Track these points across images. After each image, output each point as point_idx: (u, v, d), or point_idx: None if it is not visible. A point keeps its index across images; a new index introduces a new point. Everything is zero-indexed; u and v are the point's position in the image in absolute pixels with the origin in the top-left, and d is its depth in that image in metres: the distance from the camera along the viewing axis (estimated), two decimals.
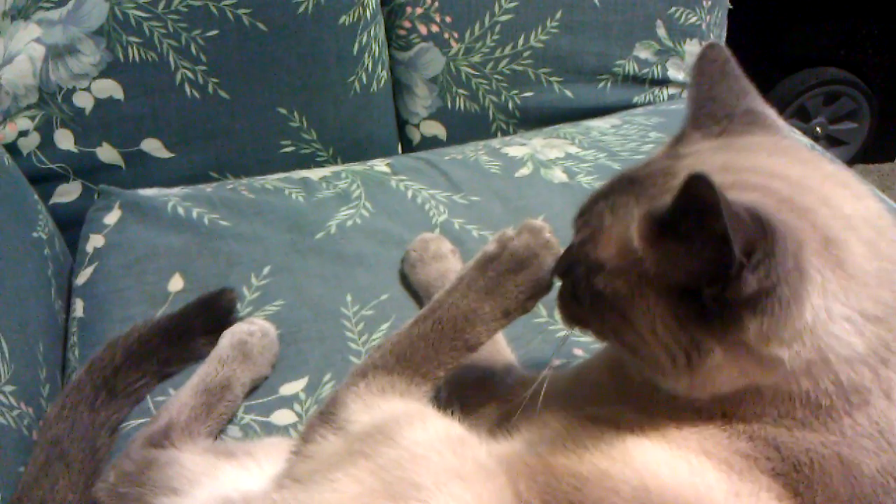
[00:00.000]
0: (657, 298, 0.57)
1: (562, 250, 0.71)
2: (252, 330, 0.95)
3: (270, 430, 0.89)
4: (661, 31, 1.46)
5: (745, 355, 0.56)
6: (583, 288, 0.62)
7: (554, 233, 0.76)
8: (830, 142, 2.46)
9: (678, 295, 0.57)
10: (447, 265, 1.02)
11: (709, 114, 0.68)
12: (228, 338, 0.94)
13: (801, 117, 2.41)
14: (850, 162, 2.46)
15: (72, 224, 1.24)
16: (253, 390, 0.93)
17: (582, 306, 0.63)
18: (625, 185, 0.63)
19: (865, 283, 0.57)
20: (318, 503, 0.60)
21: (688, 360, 0.57)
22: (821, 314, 0.55)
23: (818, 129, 2.43)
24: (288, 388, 0.93)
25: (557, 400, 0.69)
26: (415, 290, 1.03)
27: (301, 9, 1.24)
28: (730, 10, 1.56)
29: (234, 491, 0.72)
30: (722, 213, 0.49)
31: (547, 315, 1.00)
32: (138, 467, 0.79)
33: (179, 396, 0.89)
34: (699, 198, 0.50)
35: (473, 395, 0.79)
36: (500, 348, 0.87)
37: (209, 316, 0.99)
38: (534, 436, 0.66)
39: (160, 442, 0.83)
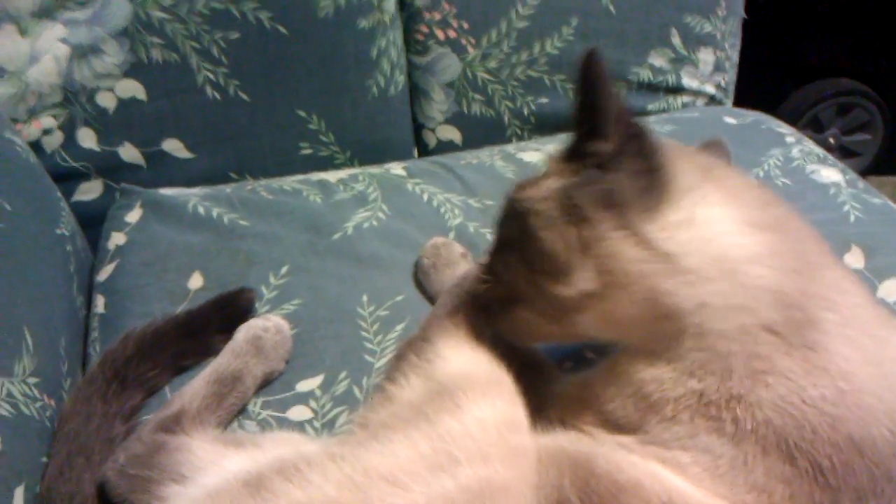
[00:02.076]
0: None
1: None
2: (267, 326, 0.97)
3: (286, 425, 0.90)
4: (676, 40, 1.47)
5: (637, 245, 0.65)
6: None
7: None
8: (843, 153, 2.46)
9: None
10: (460, 269, 1.04)
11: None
12: (244, 332, 0.96)
13: (814, 128, 2.41)
14: (864, 173, 2.47)
15: (92, 222, 1.26)
16: (264, 385, 0.95)
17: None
18: None
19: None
20: (372, 466, 0.64)
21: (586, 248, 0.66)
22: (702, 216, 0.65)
23: (831, 139, 2.44)
24: (304, 385, 0.95)
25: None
26: (430, 296, 1.05)
27: (321, 13, 1.26)
28: (744, 21, 1.57)
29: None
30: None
31: None
32: (148, 450, 0.81)
33: (192, 385, 0.91)
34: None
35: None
36: None
37: (227, 313, 1.01)
38: (574, 434, 0.69)
39: (171, 427, 0.85)
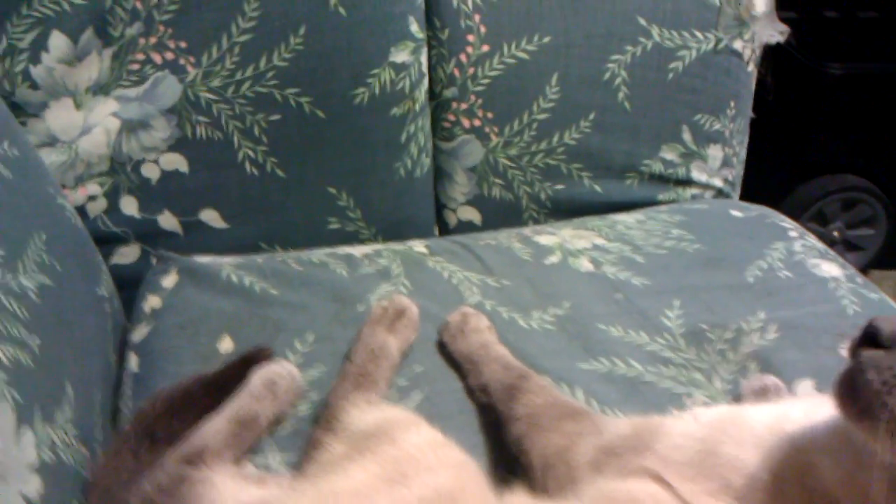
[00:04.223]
0: None
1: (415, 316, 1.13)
2: (282, 372, 1.04)
3: None
4: (687, 136, 1.56)
5: None
6: None
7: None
8: (847, 247, 2.52)
9: None
10: (485, 338, 1.11)
11: None
12: (260, 376, 1.02)
13: (819, 221, 2.48)
14: (866, 268, 2.52)
15: (127, 284, 1.32)
16: (275, 426, 1.01)
17: None
18: None
19: None
20: (334, 487, 0.73)
21: None
22: None
23: (836, 233, 2.50)
24: None
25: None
26: (454, 358, 1.11)
27: (357, 100, 1.35)
28: (753, 118, 1.65)
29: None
30: None
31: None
32: (172, 481, 0.86)
33: (214, 423, 0.96)
34: None
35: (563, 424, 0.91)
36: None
37: (249, 370, 1.06)
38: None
39: (194, 461, 0.90)
